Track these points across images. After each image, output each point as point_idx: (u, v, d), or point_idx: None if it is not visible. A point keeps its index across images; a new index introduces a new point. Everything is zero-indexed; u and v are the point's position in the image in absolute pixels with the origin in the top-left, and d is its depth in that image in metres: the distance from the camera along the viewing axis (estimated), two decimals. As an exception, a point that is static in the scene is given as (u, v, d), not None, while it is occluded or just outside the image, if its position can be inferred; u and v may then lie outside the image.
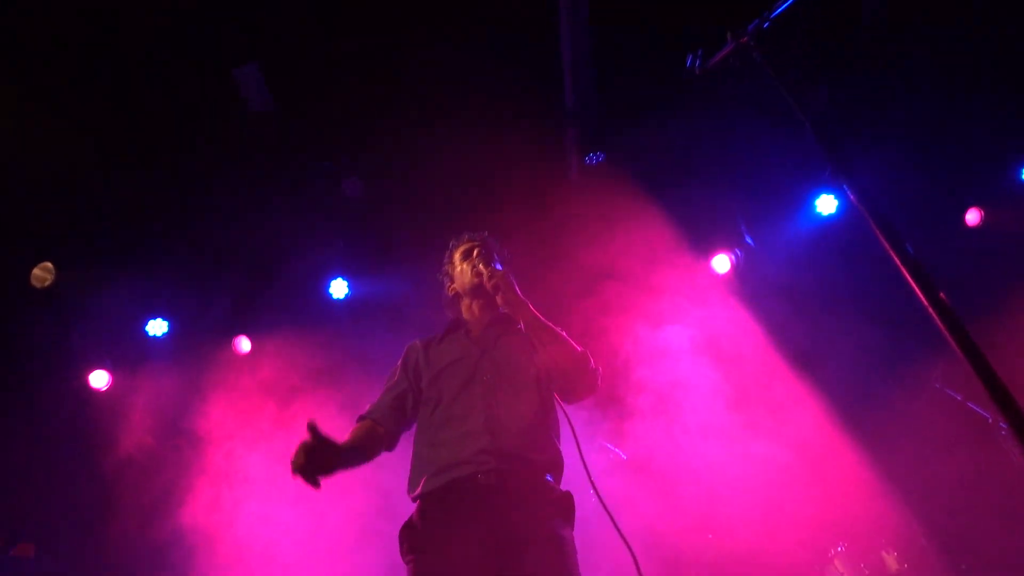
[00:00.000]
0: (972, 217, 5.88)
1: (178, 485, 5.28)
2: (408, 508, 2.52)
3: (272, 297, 6.19)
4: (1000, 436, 4.34)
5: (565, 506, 2.44)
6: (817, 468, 5.06)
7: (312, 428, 2.25)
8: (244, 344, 6.21)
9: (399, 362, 2.88)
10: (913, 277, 1.41)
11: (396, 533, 2.45)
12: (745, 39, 1.82)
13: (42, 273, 5.45)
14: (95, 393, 5.94)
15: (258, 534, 5.07)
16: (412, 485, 2.51)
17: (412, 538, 2.39)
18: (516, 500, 2.34)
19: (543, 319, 2.62)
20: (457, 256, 3.01)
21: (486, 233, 3.08)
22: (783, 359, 5.63)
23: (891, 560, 4.27)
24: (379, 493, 4.86)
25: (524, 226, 5.46)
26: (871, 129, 5.45)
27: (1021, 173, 5.77)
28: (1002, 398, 1.24)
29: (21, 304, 5.53)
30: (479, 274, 2.79)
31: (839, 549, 4.36)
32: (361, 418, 2.74)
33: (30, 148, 4.78)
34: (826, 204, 6.03)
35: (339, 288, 6.21)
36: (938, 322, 1.36)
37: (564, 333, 2.63)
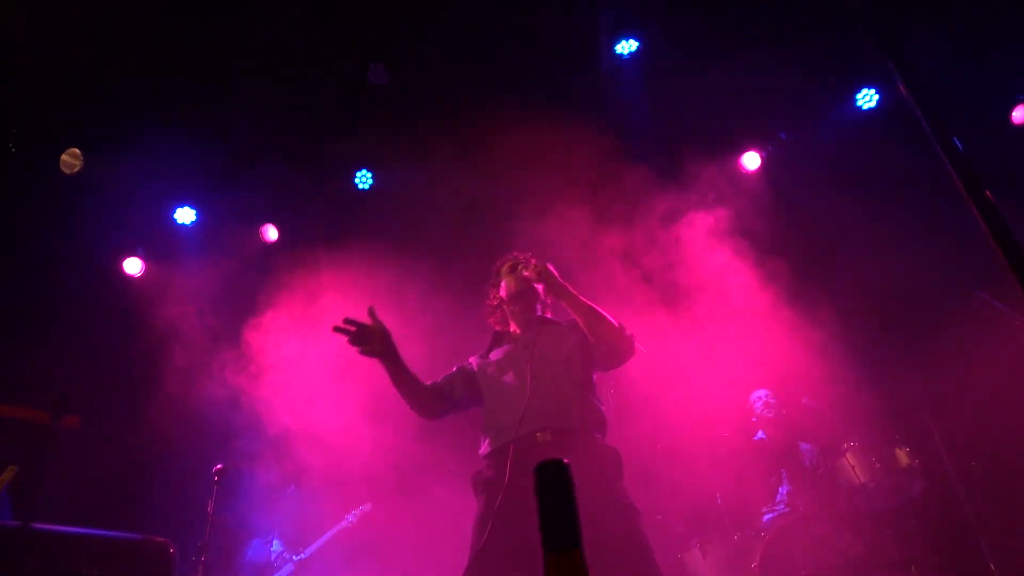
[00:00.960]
0: (1020, 115, 5.63)
1: (212, 362, 5.47)
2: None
3: (298, 186, 6.21)
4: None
5: (615, 460, 2.84)
6: (836, 365, 5.13)
7: (371, 312, 2.91)
8: (271, 232, 6.30)
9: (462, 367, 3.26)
10: (959, 174, 1.36)
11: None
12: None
13: (71, 159, 5.47)
14: (130, 279, 6.12)
15: (291, 406, 5.27)
16: (481, 445, 2.95)
17: (481, 482, 2.85)
18: (569, 454, 2.60)
19: (584, 300, 2.92)
20: (504, 270, 3.30)
21: (530, 254, 3.33)
22: (812, 257, 5.59)
23: (903, 455, 4.36)
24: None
25: (550, 118, 5.36)
26: (916, 19, 5.16)
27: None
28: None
29: (52, 191, 5.59)
30: (522, 279, 3.11)
31: (852, 444, 4.46)
32: None
33: (56, 33, 4.71)
34: (867, 98, 5.83)
35: (364, 179, 6.22)
36: (981, 222, 1.32)
37: (602, 310, 2.93)
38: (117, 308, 6.00)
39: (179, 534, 5.07)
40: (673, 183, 5.49)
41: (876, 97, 5.80)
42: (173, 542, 2.47)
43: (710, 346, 4.95)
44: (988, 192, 1.34)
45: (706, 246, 5.25)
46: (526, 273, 3.07)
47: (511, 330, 3.26)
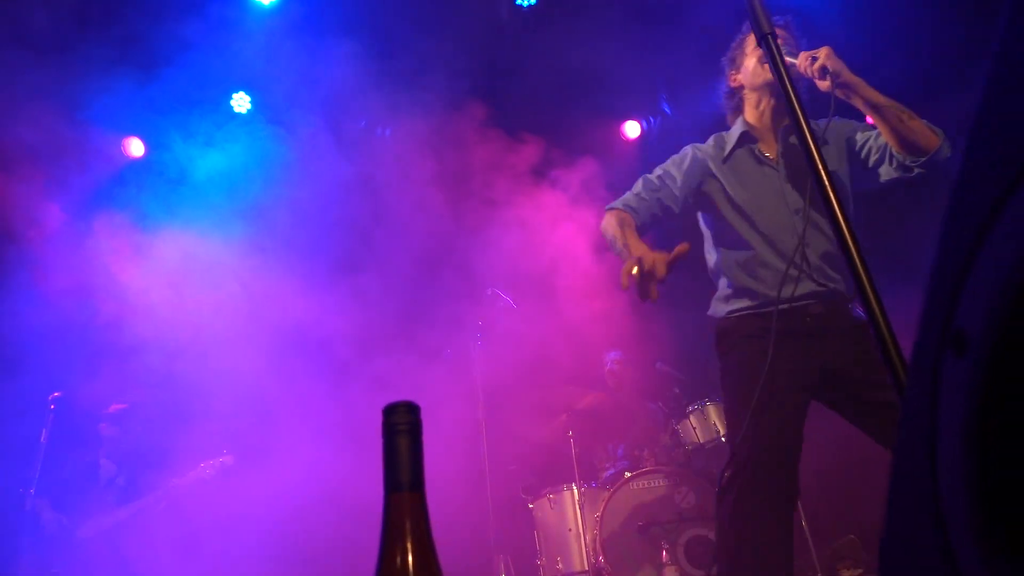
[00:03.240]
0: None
1: (52, 279, 5.11)
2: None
3: (167, 101, 5.76)
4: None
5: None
6: (689, 335, 5.43)
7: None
8: (136, 146, 5.84)
9: (678, 160, 2.63)
10: (810, 161, 1.46)
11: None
12: None
13: None
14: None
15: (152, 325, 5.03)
16: (726, 302, 2.52)
17: (734, 337, 2.42)
18: (836, 334, 2.34)
19: (887, 98, 2.23)
20: (749, 44, 2.58)
21: (789, 17, 2.54)
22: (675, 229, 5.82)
23: (740, 419, 4.70)
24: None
25: (446, 65, 5.27)
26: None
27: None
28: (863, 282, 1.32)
29: None
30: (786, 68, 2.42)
31: (696, 407, 4.75)
32: (611, 208, 2.56)
33: None
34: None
35: (241, 102, 5.87)
36: (823, 206, 1.43)
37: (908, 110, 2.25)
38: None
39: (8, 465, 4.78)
40: (549, 138, 5.55)
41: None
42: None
43: (573, 306, 5.11)
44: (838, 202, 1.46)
45: (574, 203, 5.37)
46: (810, 69, 2.23)
47: (755, 132, 2.58)
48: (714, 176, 2.58)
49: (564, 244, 5.26)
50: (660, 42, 5.68)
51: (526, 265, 5.11)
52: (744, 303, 2.46)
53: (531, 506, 4.67)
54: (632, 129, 6.50)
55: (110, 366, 4.96)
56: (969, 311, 0.46)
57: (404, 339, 5.22)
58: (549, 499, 4.52)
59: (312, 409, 4.98)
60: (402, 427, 0.82)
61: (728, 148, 2.61)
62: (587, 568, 4.18)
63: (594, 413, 4.85)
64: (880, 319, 1.20)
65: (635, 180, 2.66)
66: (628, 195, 2.61)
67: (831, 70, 2.19)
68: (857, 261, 1.33)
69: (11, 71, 5.06)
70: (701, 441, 4.60)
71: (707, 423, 4.65)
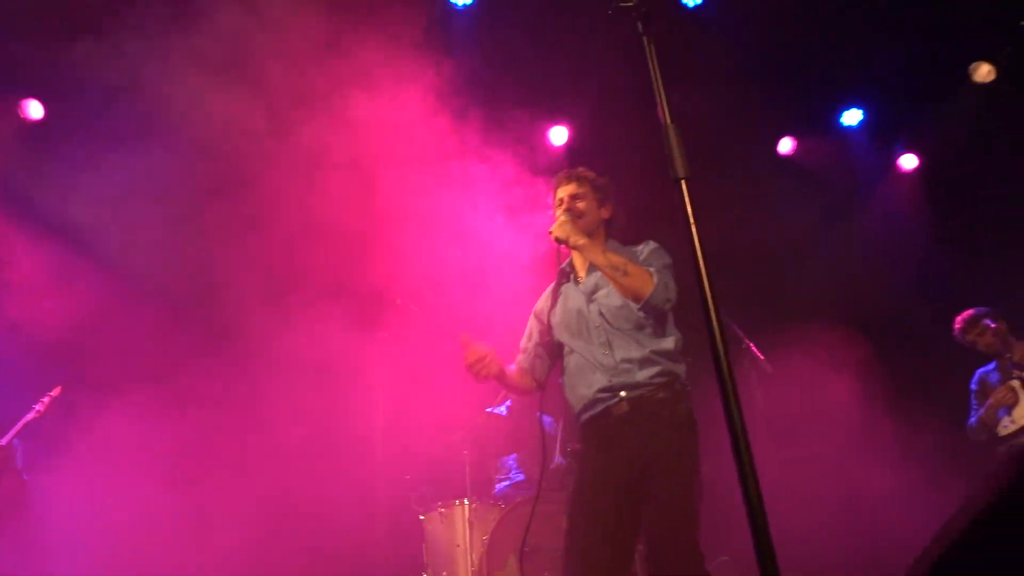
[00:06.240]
0: (785, 146, 6.28)
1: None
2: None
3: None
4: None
5: (686, 425, 2.75)
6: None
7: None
8: (35, 109, 5.42)
9: (531, 315, 3.19)
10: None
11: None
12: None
13: None
14: None
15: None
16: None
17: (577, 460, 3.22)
18: (646, 424, 2.71)
19: (608, 258, 2.73)
20: (554, 199, 3.07)
21: (570, 172, 3.07)
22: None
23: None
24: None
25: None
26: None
27: (841, 116, 6.19)
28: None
29: None
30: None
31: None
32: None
33: None
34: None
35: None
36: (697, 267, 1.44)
37: (630, 265, 2.73)
38: None
39: None
40: (469, 140, 5.44)
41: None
42: None
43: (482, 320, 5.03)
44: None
45: (491, 209, 5.27)
46: (553, 240, 2.81)
47: (572, 266, 3.04)
48: (550, 304, 3.05)
49: (478, 254, 5.16)
50: (594, 53, 5.66)
51: (436, 275, 4.99)
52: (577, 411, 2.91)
53: (422, 518, 4.57)
54: (558, 136, 6.45)
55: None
56: None
57: (310, 342, 5.03)
58: (440, 512, 4.43)
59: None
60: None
61: (557, 280, 3.08)
62: (472, 587, 4.11)
63: (491, 431, 4.78)
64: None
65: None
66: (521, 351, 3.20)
67: (560, 238, 2.77)
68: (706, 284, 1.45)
69: None
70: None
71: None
